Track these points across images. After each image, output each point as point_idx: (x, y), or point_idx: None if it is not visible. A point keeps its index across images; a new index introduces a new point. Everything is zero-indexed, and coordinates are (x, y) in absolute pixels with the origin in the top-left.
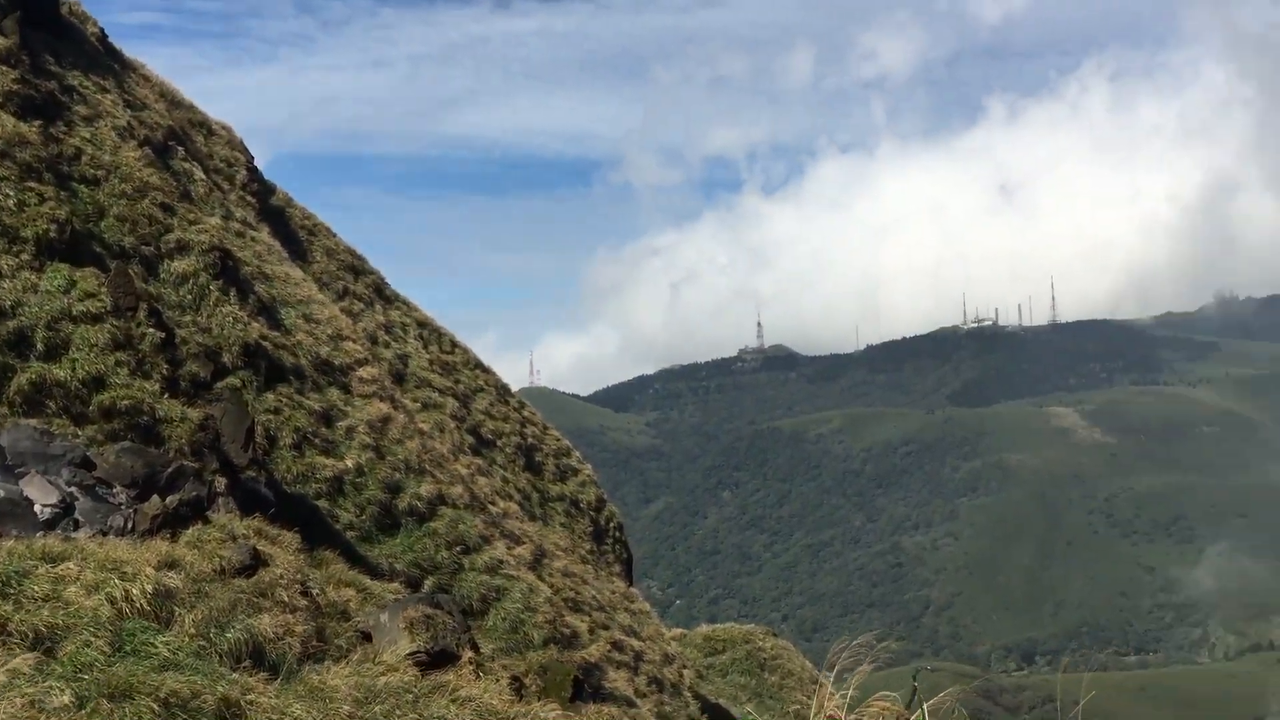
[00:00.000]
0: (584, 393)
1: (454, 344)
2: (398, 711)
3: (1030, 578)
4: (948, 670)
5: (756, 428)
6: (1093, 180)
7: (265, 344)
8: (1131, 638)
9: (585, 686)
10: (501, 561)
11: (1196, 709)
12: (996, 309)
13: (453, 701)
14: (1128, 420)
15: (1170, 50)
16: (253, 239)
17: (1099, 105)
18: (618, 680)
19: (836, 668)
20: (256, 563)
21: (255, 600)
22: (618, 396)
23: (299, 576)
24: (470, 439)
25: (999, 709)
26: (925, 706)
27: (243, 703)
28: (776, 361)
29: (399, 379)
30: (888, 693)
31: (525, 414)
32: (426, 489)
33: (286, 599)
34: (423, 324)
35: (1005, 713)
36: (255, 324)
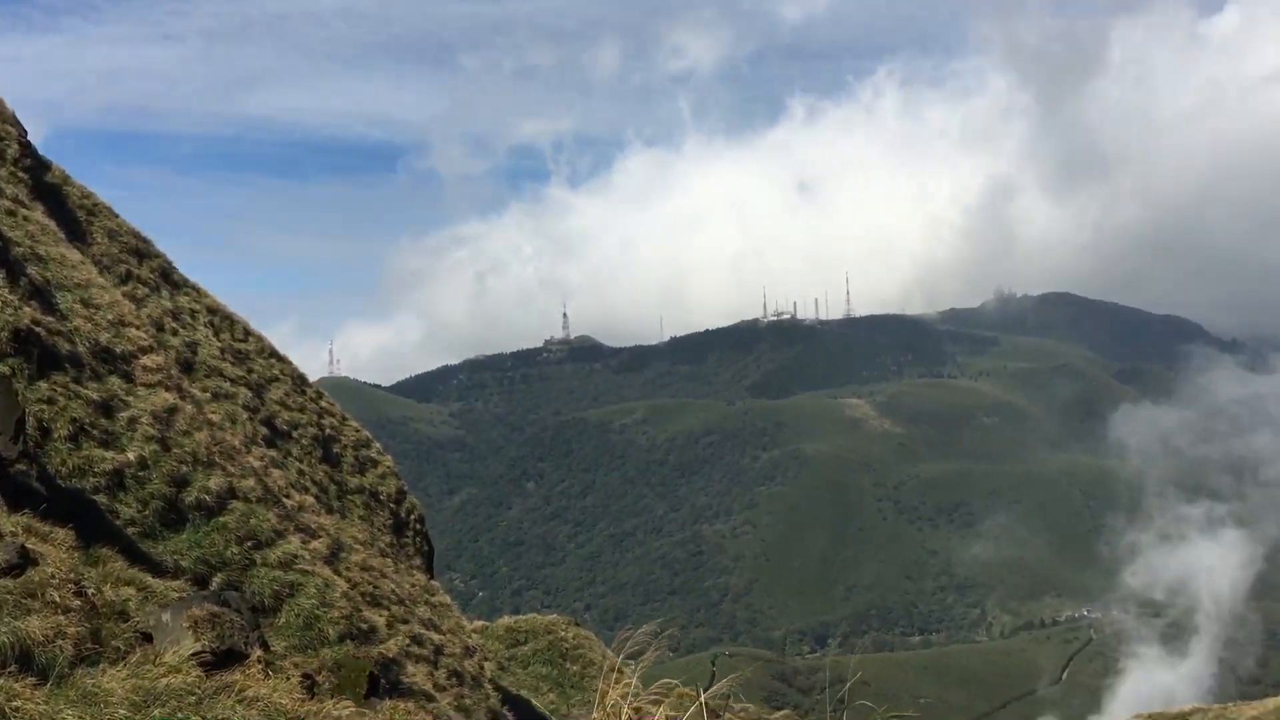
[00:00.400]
0: (386, 383)
1: (248, 331)
2: (179, 713)
3: (824, 563)
4: (745, 655)
5: (561, 418)
6: (884, 181)
7: (38, 330)
8: (916, 619)
9: (382, 682)
10: (296, 556)
11: (975, 684)
12: (795, 303)
13: (239, 701)
14: (915, 411)
15: (957, 59)
16: (25, 218)
17: (891, 109)
18: (417, 674)
19: (622, 655)
20: (25, 561)
21: (23, 601)
22: (421, 387)
23: (73, 575)
24: (264, 430)
25: (793, 690)
26: (703, 695)
27: (7, 709)
28: (581, 353)
29: (187, 368)
30: (669, 680)
31: (323, 404)
32: (216, 482)
33: (58, 599)
34: (214, 310)
35: (799, 694)
36: (27, 308)
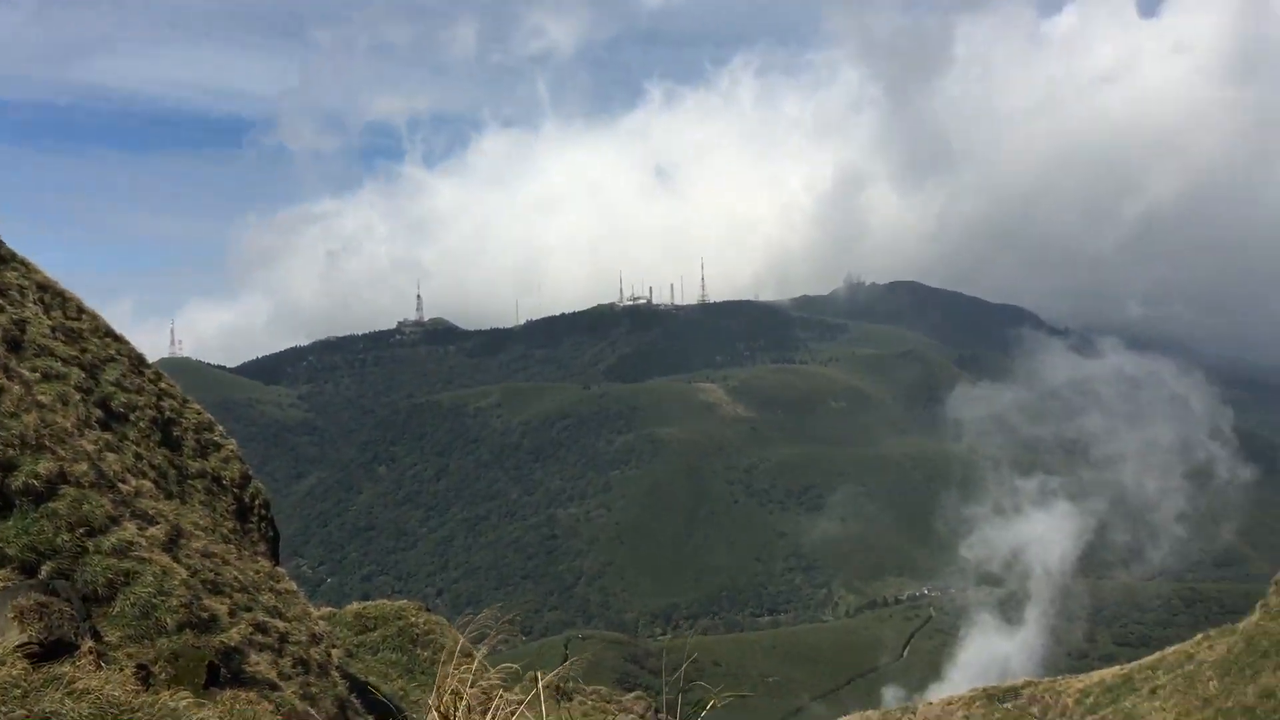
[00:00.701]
0: (231, 364)
1: (81, 310)
2: (4, 708)
3: (676, 546)
4: (598, 638)
5: (414, 401)
6: (740, 168)
7: None
8: (765, 599)
9: (222, 671)
10: (132, 543)
11: (821, 662)
12: (651, 288)
13: (69, 694)
14: (767, 396)
15: (812, 50)
16: None
17: (747, 97)
18: (260, 663)
19: (461, 641)
20: None
21: None
22: (268, 368)
23: None
24: (98, 413)
25: (645, 672)
26: (541, 679)
27: None
28: (436, 335)
29: (14, 347)
30: (508, 664)
31: (163, 386)
32: (45, 466)
33: None
34: (44, 287)
35: (651, 676)
36: None
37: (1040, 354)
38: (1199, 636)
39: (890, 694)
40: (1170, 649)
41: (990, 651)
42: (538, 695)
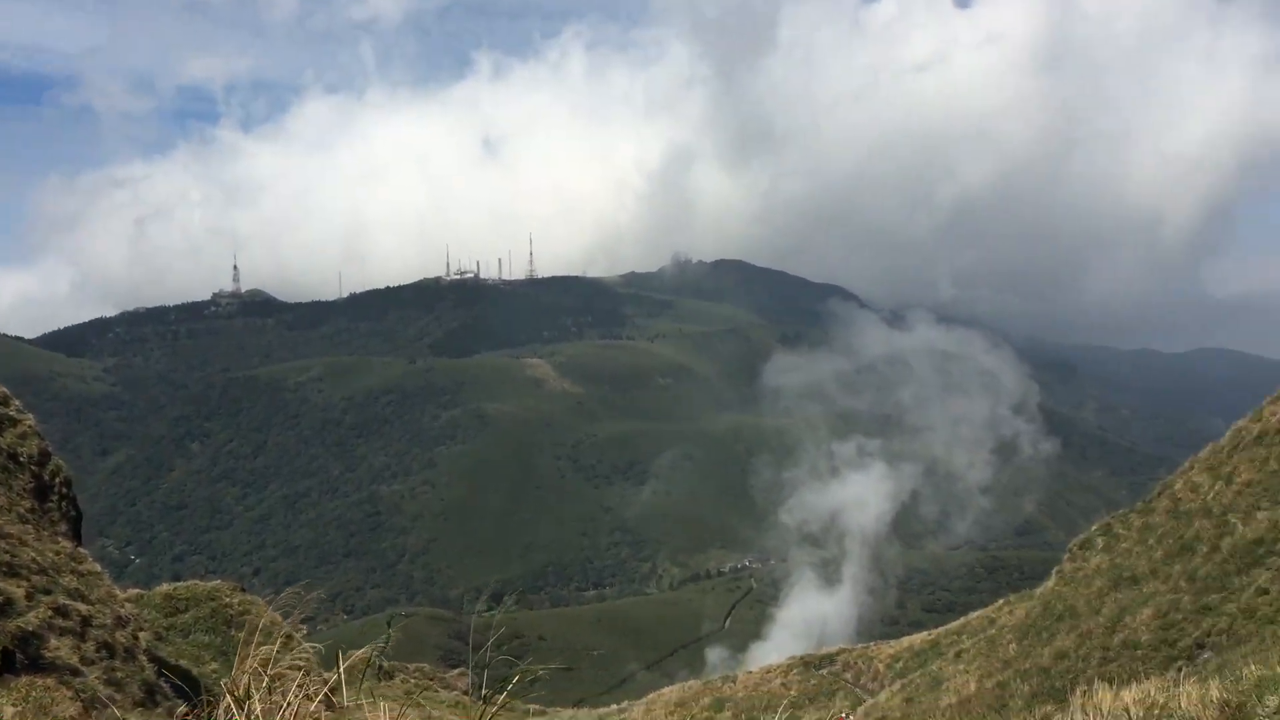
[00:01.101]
0: (30, 335)
1: None
2: None
3: (503, 521)
4: (423, 615)
5: (230, 375)
6: (569, 143)
7: None
8: (591, 574)
9: (18, 657)
10: None
11: (645, 634)
12: (478, 262)
13: None
14: (594, 371)
15: (642, 27)
16: None
17: (577, 71)
18: (60, 648)
19: (263, 620)
20: None
21: None
22: (71, 339)
23: None
24: None
25: (469, 648)
26: (342, 663)
27: None
28: (254, 307)
29: None
30: (311, 645)
31: None
32: None
33: None
34: None
35: (476, 651)
36: None
37: (856, 326)
38: (1000, 602)
39: (715, 655)
40: (974, 614)
41: (810, 611)
42: (353, 672)
